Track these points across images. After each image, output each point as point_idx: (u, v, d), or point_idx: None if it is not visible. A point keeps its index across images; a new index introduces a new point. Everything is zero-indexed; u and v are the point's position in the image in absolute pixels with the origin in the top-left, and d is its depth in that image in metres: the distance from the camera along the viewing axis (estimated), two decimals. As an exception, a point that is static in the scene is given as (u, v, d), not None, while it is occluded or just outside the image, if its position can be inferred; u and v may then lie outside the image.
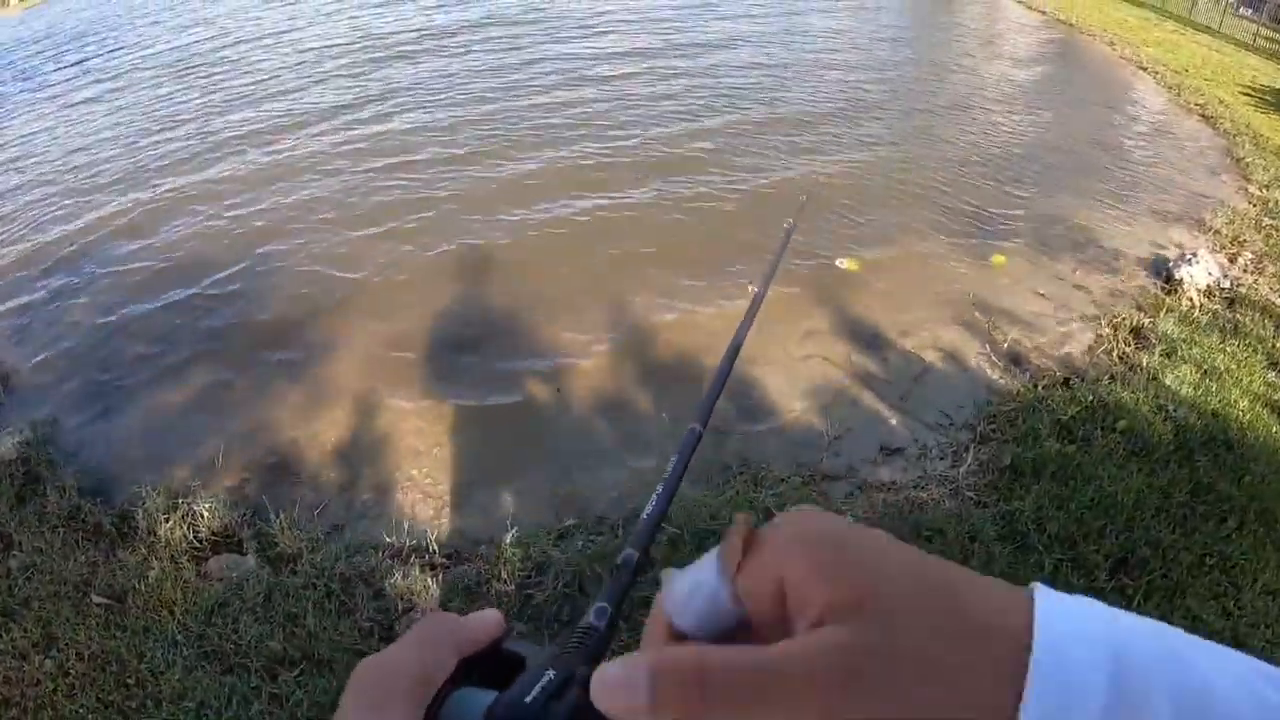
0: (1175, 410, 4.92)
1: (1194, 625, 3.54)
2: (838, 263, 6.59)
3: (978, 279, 6.55)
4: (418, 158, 8.46)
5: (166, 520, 3.95)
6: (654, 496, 0.57)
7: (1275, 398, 5.33)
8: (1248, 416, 5.02)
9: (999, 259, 6.81)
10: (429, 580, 3.64)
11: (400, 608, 3.49)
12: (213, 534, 3.93)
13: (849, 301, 6.15)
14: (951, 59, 13.04)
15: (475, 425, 4.98)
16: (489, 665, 0.50)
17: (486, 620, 0.52)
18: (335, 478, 4.57)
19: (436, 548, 3.91)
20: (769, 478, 4.54)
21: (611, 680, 0.37)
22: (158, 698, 3.11)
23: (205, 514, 3.98)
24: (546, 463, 4.72)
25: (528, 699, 0.44)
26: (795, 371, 5.49)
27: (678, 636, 0.41)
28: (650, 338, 5.77)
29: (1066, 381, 5.24)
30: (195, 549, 3.85)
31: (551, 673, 0.45)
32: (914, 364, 5.54)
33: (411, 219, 7.24)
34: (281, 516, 4.02)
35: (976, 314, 6.00)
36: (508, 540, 3.83)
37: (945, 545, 3.92)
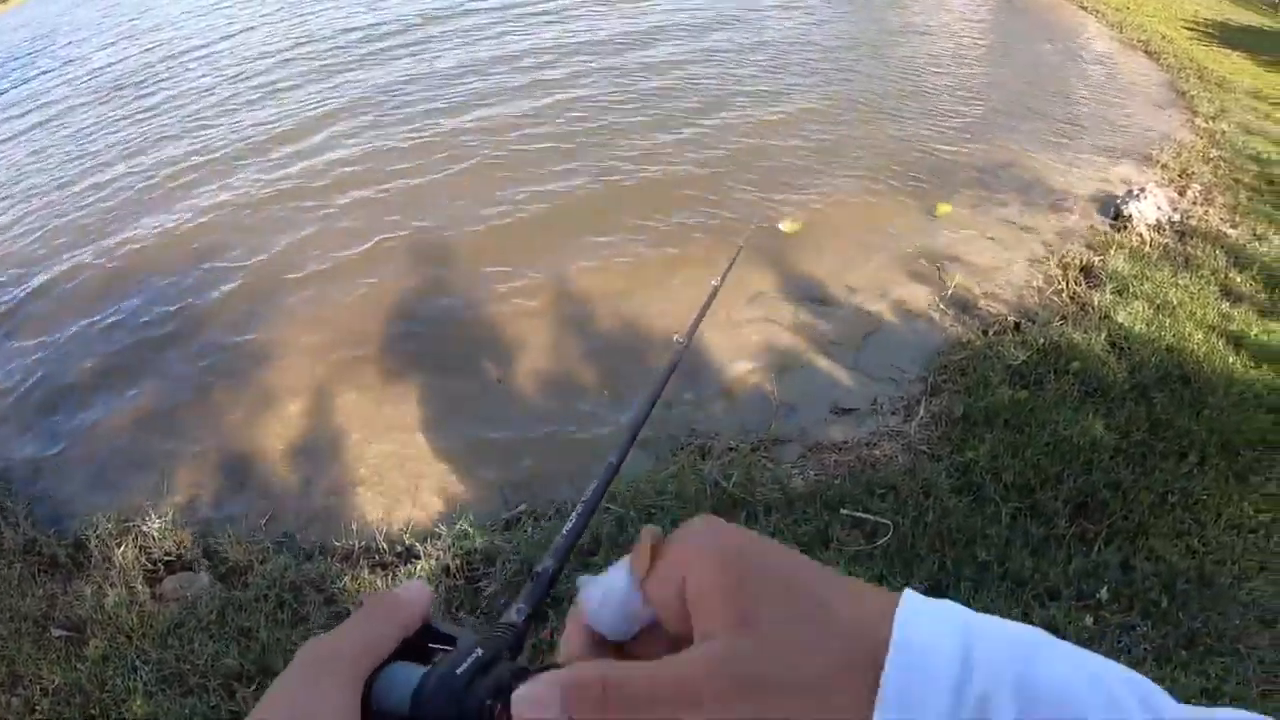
0: (1129, 348, 4.80)
1: (1158, 565, 3.44)
2: (780, 225, 6.40)
3: (923, 229, 6.39)
4: (349, 161, 8.13)
5: (119, 545, 3.85)
6: (573, 516, 0.63)
7: (1230, 328, 5.23)
8: (1203, 349, 4.91)
9: (944, 207, 6.65)
10: (379, 581, 3.53)
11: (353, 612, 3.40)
12: (166, 554, 3.83)
13: (794, 262, 5.98)
14: (887, 5, 12.79)
15: (421, 418, 4.85)
16: (416, 641, 0.52)
17: (421, 595, 0.54)
18: (284, 484, 4.46)
19: (386, 546, 3.80)
20: (716, 448, 4.40)
21: (529, 697, 0.43)
22: (122, 725, 3.06)
23: (156, 534, 3.87)
24: (494, 450, 4.60)
25: (459, 670, 0.48)
26: (742, 337, 5.33)
27: (593, 637, 0.47)
28: (592, 319, 5.59)
29: (1017, 326, 5.10)
30: (150, 571, 3.76)
31: (480, 651, 0.50)
32: (863, 319, 5.39)
33: (346, 221, 6.96)
34: (230, 530, 3.93)
35: (923, 263, 5.85)
36: (455, 532, 3.72)
37: (899, 502, 3.78)
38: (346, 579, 3.53)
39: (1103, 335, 4.86)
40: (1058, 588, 3.36)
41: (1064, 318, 5.13)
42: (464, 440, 4.67)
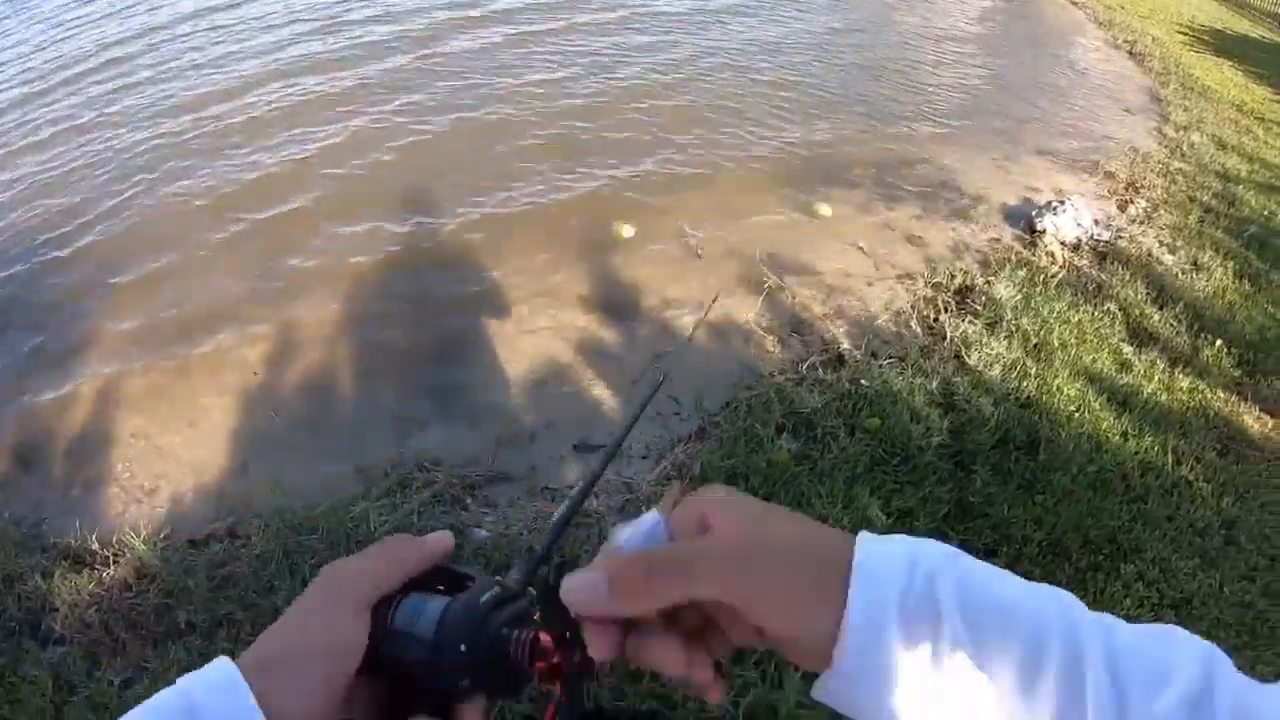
0: (969, 400, 3.71)
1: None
2: (624, 230, 5.25)
3: (787, 232, 5.28)
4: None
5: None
6: (562, 507, 0.66)
7: (1123, 381, 4.13)
8: (1072, 408, 3.82)
9: (823, 209, 5.54)
10: (69, 582, 3.21)
11: (46, 607, 3.19)
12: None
13: (618, 267, 4.90)
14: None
15: (187, 413, 4.25)
16: (431, 578, 0.63)
17: (442, 542, 0.65)
18: (57, 469, 4.06)
19: (98, 547, 3.41)
20: (418, 480, 3.46)
21: (580, 579, 0.52)
22: None
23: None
24: (230, 455, 4.01)
25: (481, 600, 0.58)
26: (517, 349, 4.33)
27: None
28: (395, 350, 4.59)
29: (841, 358, 4.03)
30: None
31: (498, 589, 0.59)
32: (663, 339, 4.34)
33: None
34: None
35: (767, 274, 4.75)
36: (138, 544, 3.31)
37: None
38: (38, 576, 3.26)
39: (935, 382, 3.77)
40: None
41: (902, 357, 4.04)
42: (214, 440, 4.07)
